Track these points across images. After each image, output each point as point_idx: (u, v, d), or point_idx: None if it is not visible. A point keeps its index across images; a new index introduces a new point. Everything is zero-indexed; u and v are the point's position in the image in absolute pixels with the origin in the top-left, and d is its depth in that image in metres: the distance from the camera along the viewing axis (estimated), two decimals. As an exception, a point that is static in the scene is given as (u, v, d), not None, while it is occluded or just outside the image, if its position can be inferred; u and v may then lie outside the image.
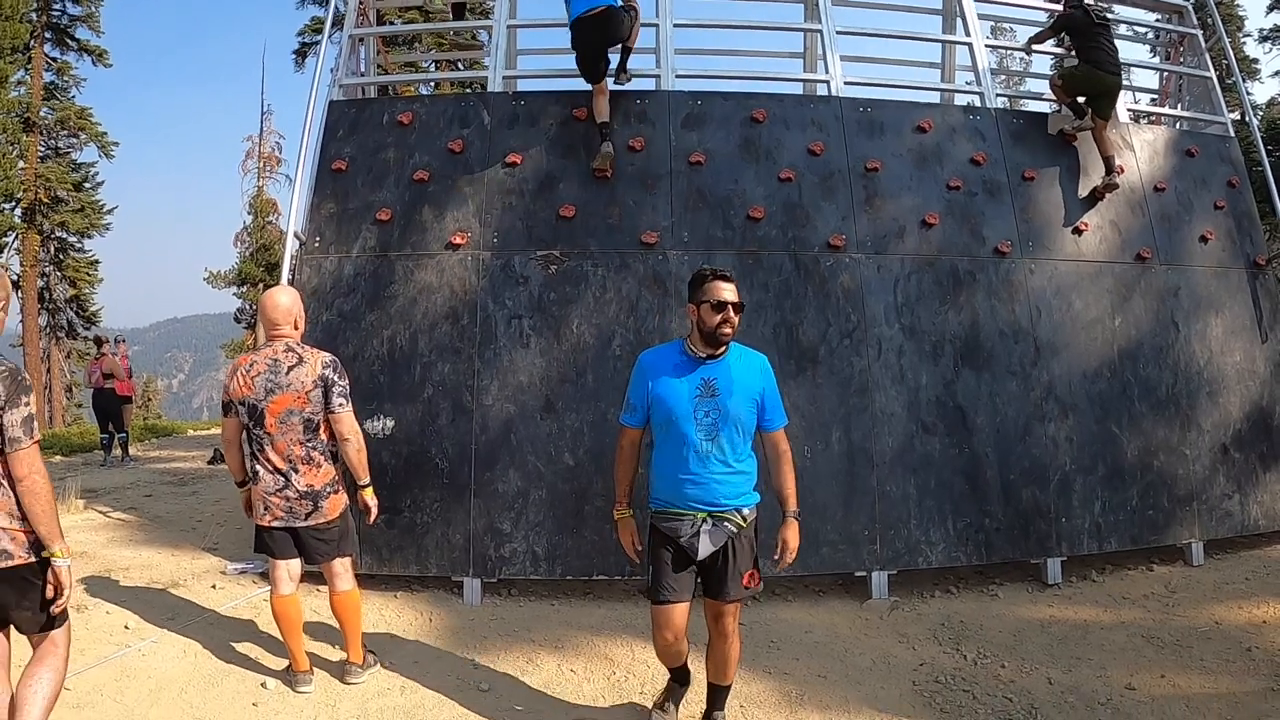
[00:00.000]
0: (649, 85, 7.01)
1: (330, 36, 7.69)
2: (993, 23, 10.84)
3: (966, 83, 7.88)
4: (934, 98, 7.85)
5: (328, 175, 6.58)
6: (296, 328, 4.38)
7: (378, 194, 6.50)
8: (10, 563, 3.09)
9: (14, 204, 26.14)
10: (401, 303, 6.24)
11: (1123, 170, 7.31)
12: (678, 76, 7.00)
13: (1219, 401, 7.02)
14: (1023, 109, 8.18)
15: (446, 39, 12.92)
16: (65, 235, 28.05)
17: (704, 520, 3.55)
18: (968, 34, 7.73)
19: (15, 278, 26.42)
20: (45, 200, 26.85)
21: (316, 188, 6.58)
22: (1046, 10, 8.31)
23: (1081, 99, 7.31)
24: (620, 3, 6.55)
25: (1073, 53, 7.63)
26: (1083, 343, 6.76)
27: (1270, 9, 30.09)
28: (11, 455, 3.05)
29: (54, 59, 28.04)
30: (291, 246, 6.49)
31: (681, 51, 7.20)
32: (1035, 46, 7.96)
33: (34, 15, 26.34)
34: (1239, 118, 11.20)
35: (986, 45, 7.81)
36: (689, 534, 3.55)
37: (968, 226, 6.80)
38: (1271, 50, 30.45)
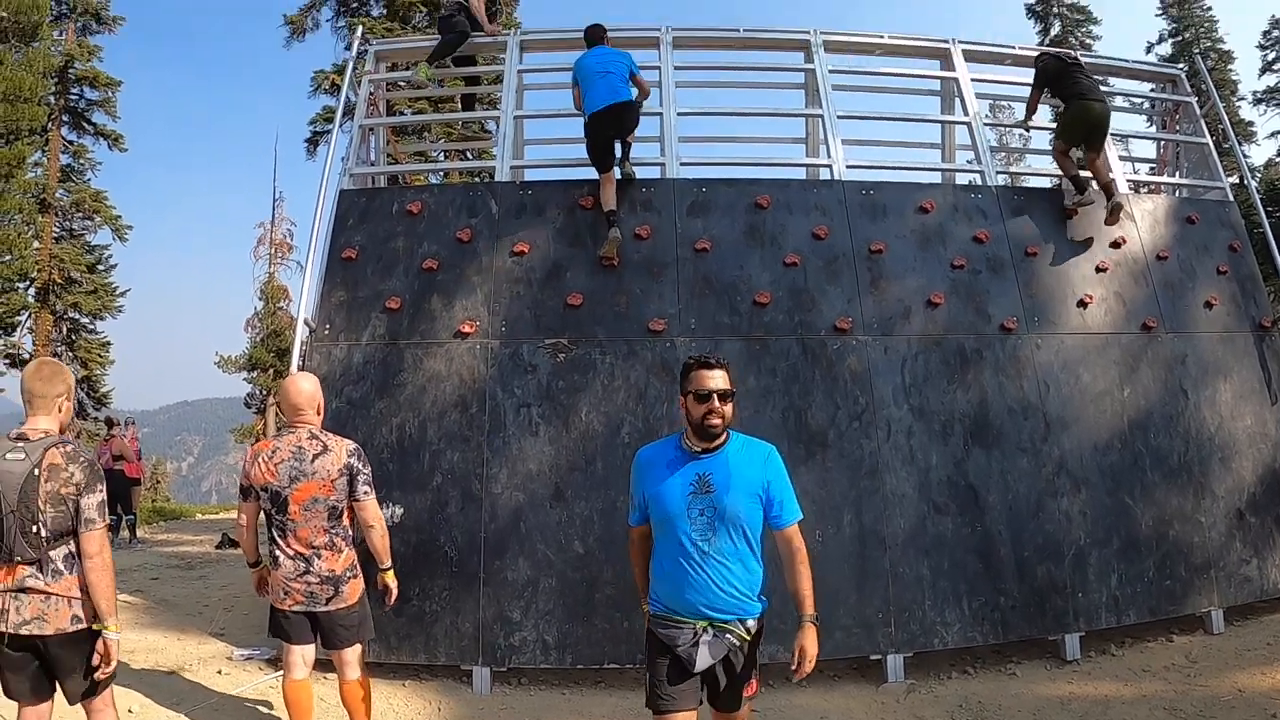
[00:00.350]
0: (654, 173, 7.13)
1: (341, 126, 7.81)
2: (990, 101, 10.95)
3: (967, 161, 7.97)
4: (935, 178, 7.96)
5: (338, 263, 6.65)
6: (318, 414, 4.39)
7: (387, 282, 6.56)
8: (79, 627, 3.44)
9: (28, 284, 26.27)
10: (410, 391, 6.26)
11: (1125, 241, 7.37)
12: (682, 164, 7.12)
13: (1232, 466, 6.97)
14: (1023, 185, 8.24)
15: (455, 129, 13.18)
16: (78, 316, 28.12)
17: (704, 630, 3.25)
18: (966, 114, 7.86)
19: (27, 357, 26.56)
20: (59, 281, 27.05)
21: (327, 275, 6.65)
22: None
23: (1080, 150, 7.46)
24: (629, 92, 6.74)
25: (1059, 101, 7.78)
26: (1092, 415, 6.73)
27: (1263, 72, 30.61)
28: (85, 534, 3.42)
29: (71, 142, 28.44)
30: (302, 333, 6.54)
31: (685, 140, 7.34)
32: (1032, 121, 8.06)
33: (52, 98, 26.75)
34: (1237, 181, 11.30)
35: (985, 124, 7.91)
36: (687, 644, 3.25)
37: (973, 305, 6.83)
38: (1266, 112, 30.98)
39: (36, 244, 26.34)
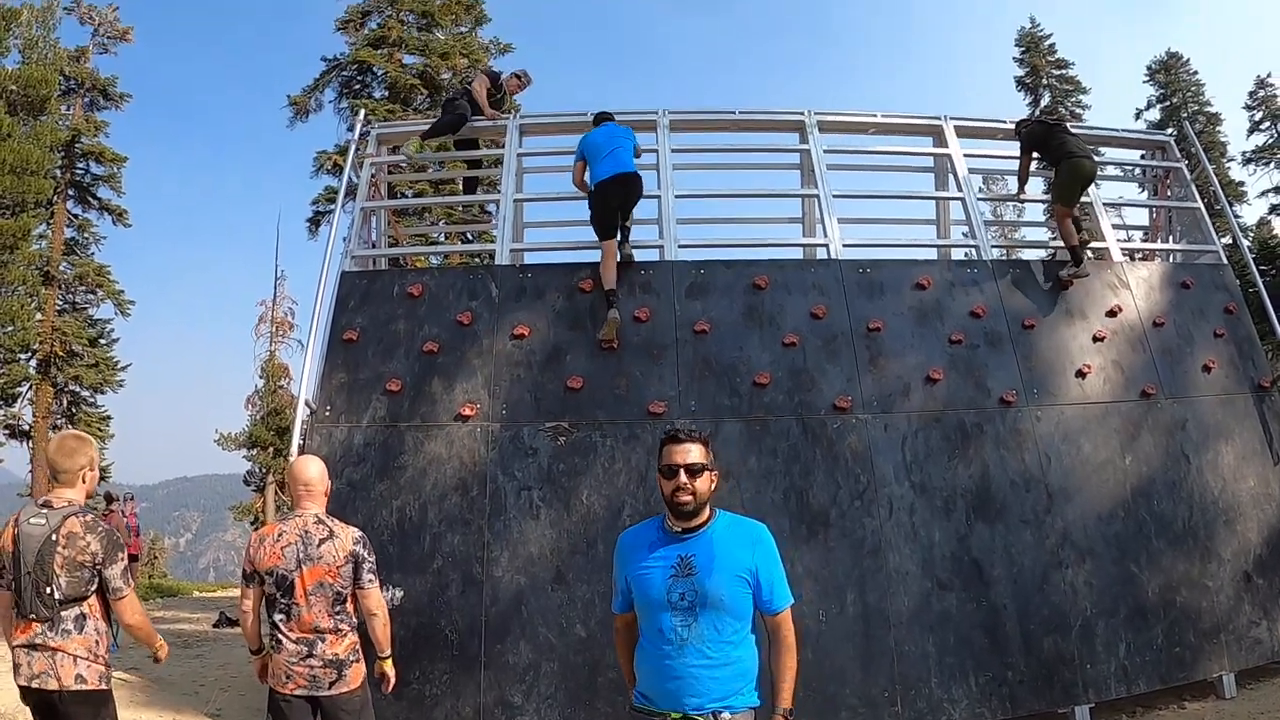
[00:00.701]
0: (653, 256, 7.22)
1: (343, 206, 7.92)
2: (983, 174, 11.09)
3: (963, 234, 8.06)
4: (931, 253, 8.05)
5: (339, 345, 6.69)
6: (325, 496, 4.39)
7: (388, 364, 6.60)
8: (83, 686, 3.63)
9: (30, 355, 26.32)
10: (411, 473, 6.26)
11: (1121, 309, 7.44)
12: (680, 246, 7.21)
13: (1237, 529, 6.93)
14: (1018, 258, 8.33)
15: (455, 211, 13.33)
16: (79, 389, 28.07)
17: None
18: (960, 189, 7.95)
19: (27, 428, 26.59)
20: (60, 353, 27.08)
21: (328, 357, 6.69)
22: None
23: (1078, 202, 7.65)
24: (633, 163, 6.96)
25: (1048, 165, 7.91)
26: (1095, 485, 6.72)
27: (1250, 132, 30.97)
28: (116, 603, 3.72)
29: (75, 215, 28.71)
30: (302, 414, 6.56)
31: (684, 221, 7.45)
32: (1025, 193, 8.16)
33: (58, 172, 27.00)
34: (1230, 241, 11.40)
35: (979, 199, 8.01)
36: None
37: (972, 379, 6.86)
38: (1256, 172, 31.22)
39: (39, 316, 26.42)
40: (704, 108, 8.06)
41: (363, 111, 9.03)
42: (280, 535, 4.17)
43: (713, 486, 3.06)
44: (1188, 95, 31.05)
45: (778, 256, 7.52)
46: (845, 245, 7.36)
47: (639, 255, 7.17)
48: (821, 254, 7.53)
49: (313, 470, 4.35)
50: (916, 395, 6.73)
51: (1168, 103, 31.26)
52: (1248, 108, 31.41)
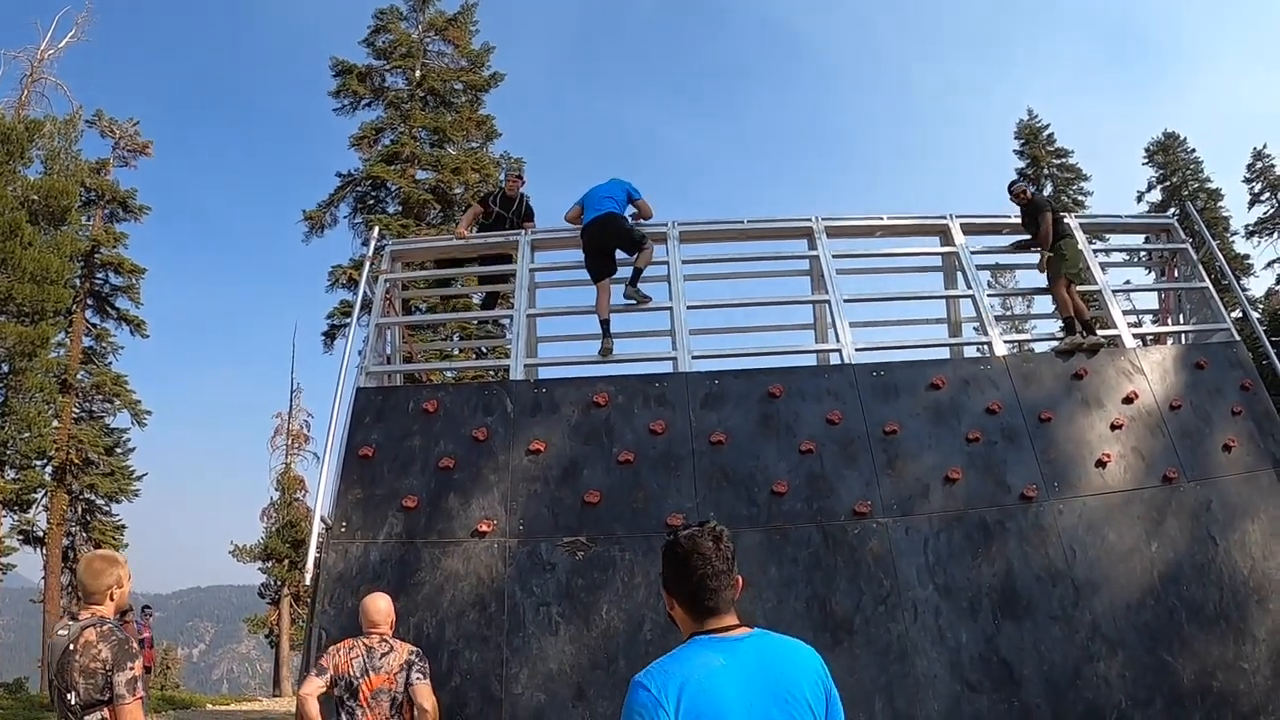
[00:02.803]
0: (666, 368, 7.27)
1: (358, 320, 8.03)
2: (990, 270, 11.21)
3: (974, 329, 8.09)
4: (944, 352, 8.08)
5: (354, 461, 6.71)
6: (390, 627, 5.06)
7: (404, 481, 6.60)
8: None
9: (46, 462, 26.38)
10: (428, 590, 6.22)
11: (1137, 395, 7.42)
12: (694, 358, 7.26)
13: (1269, 607, 6.76)
14: (1031, 350, 8.35)
15: (470, 326, 13.53)
16: (94, 497, 28.08)
17: None
18: (969, 286, 7.99)
19: (41, 534, 26.58)
20: (76, 461, 27.15)
21: (343, 473, 6.70)
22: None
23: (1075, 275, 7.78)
24: (619, 209, 7.76)
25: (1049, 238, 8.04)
26: (1121, 574, 6.62)
27: (1251, 204, 31.24)
28: (117, 708, 3.76)
29: (94, 325, 29.09)
30: (319, 530, 6.56)
31: (696, 332, 7.52)
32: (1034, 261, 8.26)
33: (78, 281, 27.50)
34: (1240, 315, 11.40)
35: (989, 295, 8.06)
36: None
37: (991, 476, 6.82)
38: (1260, 243, 31.43)
39: (56, 423, 26.60)
40: (712, 218, 8.16)
41: (377, 229, 9.21)
42: (352, 649, 4.93)
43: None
44: (1187, 174, 31.49)
45: (791, 364, 7.56)
46: (858, 349, 7.41)
47: (653, 368, 7.30)
48: (835, 359, 7.55)
49: (381, 605, 5.09)
50: (936, 496, 6.68)
51: (1168, 183, 31.71)
52: (1247, 180, 31.78)
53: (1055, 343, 7.83)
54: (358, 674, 4.81)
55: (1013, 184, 8.57)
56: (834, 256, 7.99)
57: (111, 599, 4.01)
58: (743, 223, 8.32)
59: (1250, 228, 31.14)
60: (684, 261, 7.88)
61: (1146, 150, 32.59)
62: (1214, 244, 9.10)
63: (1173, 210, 30.25)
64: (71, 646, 3.79)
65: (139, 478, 28.71)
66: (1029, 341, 8.57)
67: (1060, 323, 7.99)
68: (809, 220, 8.17)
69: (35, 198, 24.53)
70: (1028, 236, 8.34)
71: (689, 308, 7.57)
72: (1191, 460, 7.22)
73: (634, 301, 7.54)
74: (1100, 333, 7.79)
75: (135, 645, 3.93)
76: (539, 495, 6.53)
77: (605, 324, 7.46)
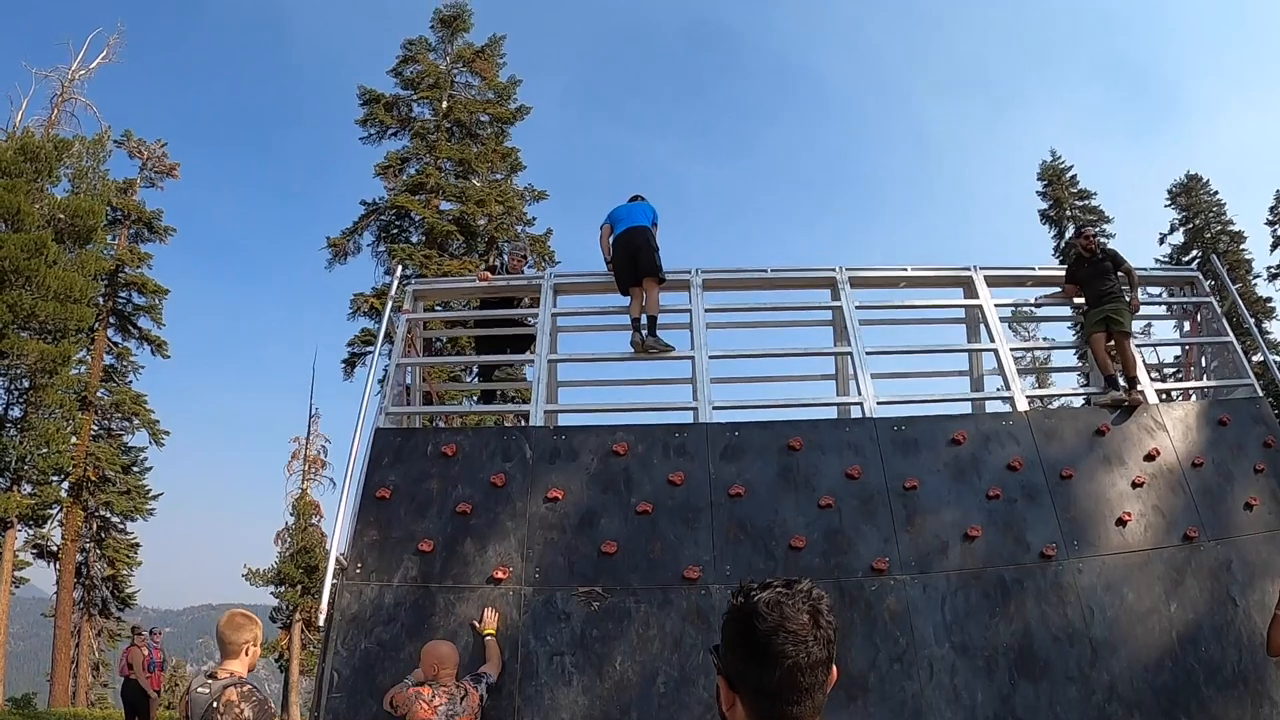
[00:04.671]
0: (687, 418, 7.25)
1: (381, 349, 8.05)
2: (1010, 321, 11.17)
3: (996, 389, 8.04)
4: (966, 407, 8.02)
5: (371, 502, 6.70)
6: (454, 669, 5.48)
7: (420, 524, 6.59)
8: None
9: (63, 478, 26.64)
10: (443, 635, 6.14)
11: (1159, 452, 7.34)
12: (715, 408, 7.24)
13: None
14: (1053, 406, 8.31)
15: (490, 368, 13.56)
16: (109, 515, 28.44)
17: None
18: (992, 339, 7.96)
19: (55, 549, 26.74)
20: (93, 478, 27.42)
21: (360, 513, 6.69)
22: (1064, 306, 8.63)
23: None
24: (649, 223, 8.00)
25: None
26: (1140, 635, 6.52)
27: (1274, 247, 30.98)
28: None
29: (115, 343, 29.52)
30: (333, 570, 6.55)
31: (717, 381, 7.51)
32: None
33: (101, 299, 27.86)
34: (1260, 359, 11.30)
35: (1012, 349, 8.03)
36: None
37: (1011, 534, 6.75)
38: (1282, 286, 31.11)
39: (74, 440, 26.87)
40: (736, 267, 8.16)
41: (400, 268, 9.23)
42: (434, 696, 5.32)
43: None
44: (1210, 216, 31.36)
45: (812, 415, 7.53)
46: (879, 402, 7.37)
47: (673, 418, 7.28)
48: (856, 412, 7.52)
49: (444, 652, 5.51)
50: (955, 553, 6.62)
51: (1190, 225, 31.53)
52: (1269, 223, 31.53)
53: (1078, 402, 7.78)
54: (443, 717, 5.27)
55: (1082, 230, 8.50)
56: (857, 308, 7.96)
57: (246, 654, 4.36)
58: (766, 271, 8.31)
59: (1273, 270, 30.86)
60: (707, 310, 7.90)
61: (1169, 192, 32.50)
62: (1237, 295, 9.04)
63: (1195, 254, 30.13)
64: (215, 704, 4.10)
65: (155, 497, 29.00)
66: (1051, 396, 8.52)
67: (1102, 376, 7.86)
68: (833, 271, 8.16)
69: (62, 216, 24.90)
70: (1057, 289, 8.34)
71: (711, 358, 7.55)
72: (1212, 519, 7.14)
73: (655, 350, 7.58)
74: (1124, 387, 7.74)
75: (273, 706, 4.30)
76: (555, 543, 6.50)
77: (636, 320, 7.66)
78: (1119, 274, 8.13)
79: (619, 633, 6.16)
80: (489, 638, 6.01)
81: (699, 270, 8.06)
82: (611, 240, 7.97)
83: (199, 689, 4.22)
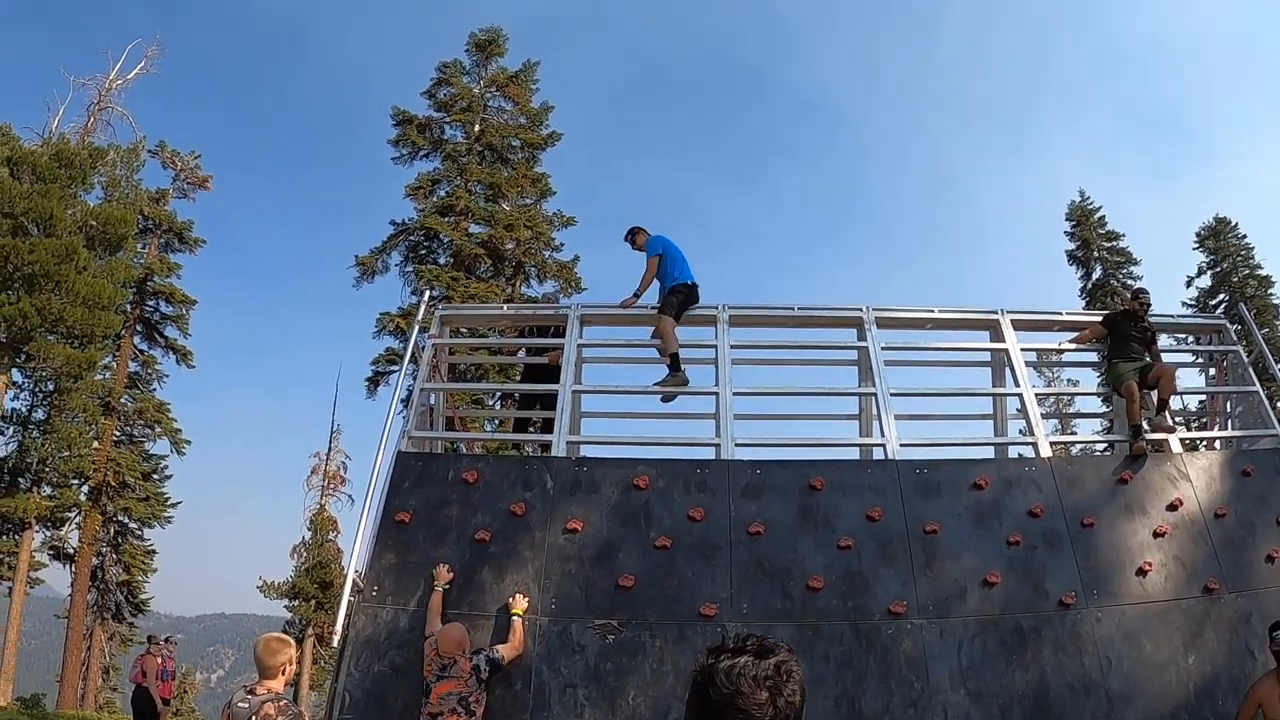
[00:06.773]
0: (709, 454, 7.24)
1: (406, 370, 8.08)
2: (1036, 365, 11.14)
3: (1020, 431, 8.01)
4: (989, 451, 7.98)
5: (390, 526, 6.73)
6: (464, 651, 5.82)
7: (438, 549, 6.60)
8: None
9: (83, 482, 26.92)
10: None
11: (1182, 502, 7.27)
12: (737, 445, 7.23)
13: None
14: (1077, 453, 8.27)
15: (515, 396, 13.64)
16: (127, 521, 28.61)
17: None
18: (1017, 384, 7.91)
19: (72, 552, 26.93)
20: (113, 484, 27.56)
21: (379, 536, 6.72)
22: (1090, 351, 8.60)
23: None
24: None
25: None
26: (1156, 687, 6.44)
27: (1299, 283, 30.69)
28: None
29: (141, 351, 29.79)
30: (350, 591, 6.58)
31: (740, 417, 7.50)
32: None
33: (128, 307, 28.14)
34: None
35: (1036, 394, 8.00)
36: None
37: (1030, 581, 6.70)
38: (1309, 331, 30.72)
39: (96, 445, 27.12)
40: (763, 303, 8.19)
41: (427, 291, 9.32)
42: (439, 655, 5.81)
43: None
44: (1238, 260, 31.10)
45: (834, 456, 7.53)
46: (902, 444, 7.35)
47: (695, 454, 7.28)
48: (878, 453, 7.50)
49: (455, 635, 5.85)
50: (973, 599, 6.57)
51: (1218, 268, 31.29)
52: (1299, 268, 31.29)
53: (1100, 449, 7.74)
54: (433, 680, 5.70)
55: (1141, 294, 8.46)
56: (883, 349, 7.94)
57: (282, 674, 4.73)
58: (793, 309, 8.32)
59: (1300, 308, 30.60)
60: (732, 345, 7.91)
61: (1197, 235, 32.27)
62: (1264, 343, 8.97)
63: (1222, 297, 29.89)
64: (254, 718, 4.47)
65: (174, 504, 29.09)
66: (1075, 442, 8.47)
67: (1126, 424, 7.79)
68: (859, 310, 8.16)
69: (93, 223, 25.19)
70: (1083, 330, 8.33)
71: (735, 394, 7.56)
72: (1234, 570, 7.05)
73: (678, 387, 7.66)
74: (1149, 437, 7.69)
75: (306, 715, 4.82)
76: (573, 575, 6.50)
77: (676, 356, 7.77)
78: (1151, 347, 8.17)
79: (633, 667, 6.14)
80: (515, 619, 6.16)
81: (726, 306, 8.08)
82: (673, 282, 8.10)
83: (239, 703, 4.56)
